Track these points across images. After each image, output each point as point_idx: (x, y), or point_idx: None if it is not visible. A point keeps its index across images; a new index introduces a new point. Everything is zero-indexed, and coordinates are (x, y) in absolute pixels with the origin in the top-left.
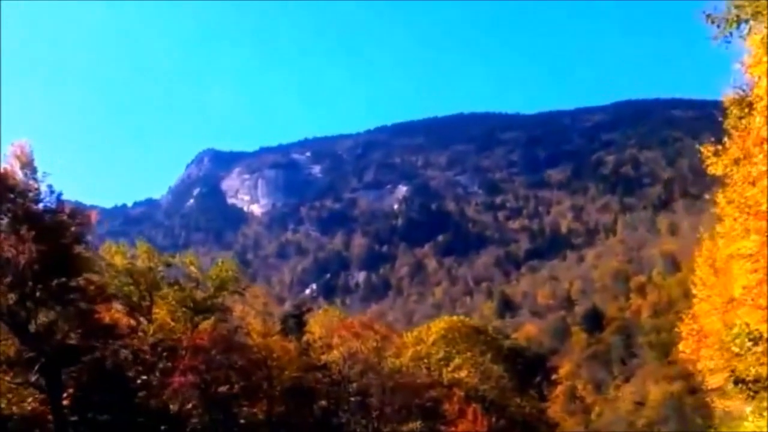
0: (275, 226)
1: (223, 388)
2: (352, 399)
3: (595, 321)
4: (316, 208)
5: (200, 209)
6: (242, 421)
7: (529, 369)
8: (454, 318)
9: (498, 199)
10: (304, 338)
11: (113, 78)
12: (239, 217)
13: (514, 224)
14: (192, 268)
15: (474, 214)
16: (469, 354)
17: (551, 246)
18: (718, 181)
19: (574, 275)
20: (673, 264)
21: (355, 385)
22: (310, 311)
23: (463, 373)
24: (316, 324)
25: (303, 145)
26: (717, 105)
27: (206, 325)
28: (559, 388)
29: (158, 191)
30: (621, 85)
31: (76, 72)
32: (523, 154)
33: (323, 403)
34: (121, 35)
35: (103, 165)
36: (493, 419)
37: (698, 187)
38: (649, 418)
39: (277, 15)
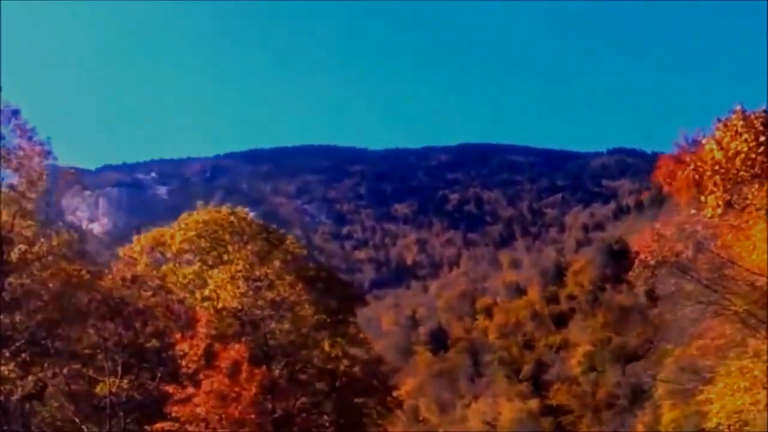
0: (115, 246)
1: None
2: None
3: (440, 340)
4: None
5: None
6: None
7: (349, 304)
8: (223, 209)
9: (345, 230)
10: None
11: None
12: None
13: (361, 254)
14: None
15: (321, 242)
16: (241, 264)
17: (396, 276)
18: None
19: (418, 302)
20: (517, 291)
21: None
22: None
23: (227, 295)
24: None
25: (149, 165)
26: (553, 153)
27: None
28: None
29: None
30: (464, 129)
31: None
32: (370, 187)
33: None
34: None
35: None
36: (276, 372)
37: (536, 226)
38: None
39: (135, 34)
